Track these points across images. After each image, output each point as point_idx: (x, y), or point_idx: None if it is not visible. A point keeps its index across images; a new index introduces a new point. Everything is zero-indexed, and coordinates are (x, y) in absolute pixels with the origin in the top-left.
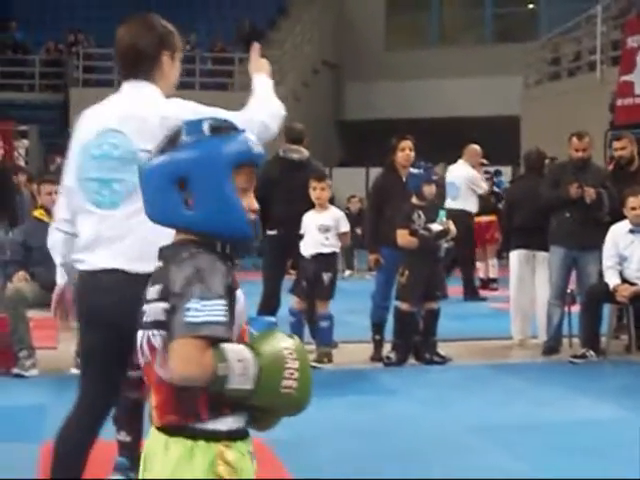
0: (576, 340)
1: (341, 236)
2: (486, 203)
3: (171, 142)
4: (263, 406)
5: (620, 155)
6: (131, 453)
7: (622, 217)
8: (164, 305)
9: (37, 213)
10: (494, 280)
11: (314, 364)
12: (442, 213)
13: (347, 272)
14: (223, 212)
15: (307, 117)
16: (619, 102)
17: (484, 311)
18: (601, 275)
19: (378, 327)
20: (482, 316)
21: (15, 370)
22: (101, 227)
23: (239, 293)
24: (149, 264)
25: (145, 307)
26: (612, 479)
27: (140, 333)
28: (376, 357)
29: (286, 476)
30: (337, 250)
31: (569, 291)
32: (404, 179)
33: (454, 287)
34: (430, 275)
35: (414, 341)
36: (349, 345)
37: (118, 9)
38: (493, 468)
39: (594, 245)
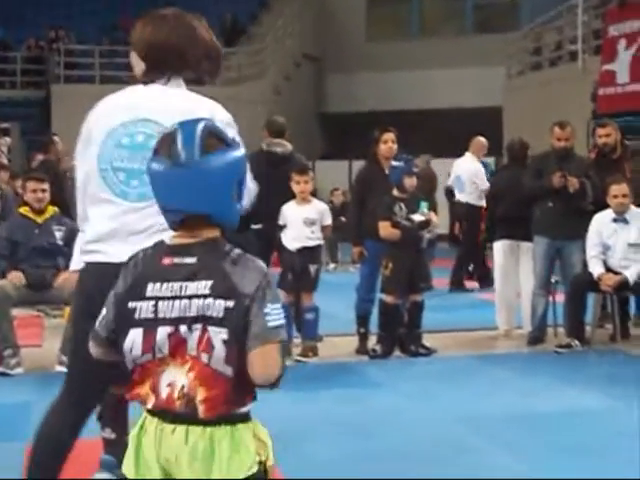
0: (561, 330)
1: (324, 228)
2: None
3: (222, 140)
4: None
5: (604, 142)
6: (116, 450)
7: (605, 206)
8: (225, 303)
9: (22, 210)
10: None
11: (299, 358)
12: (423, 204)
13: (331, 265)
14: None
15: (289, 110)
16: (601, 91)
17: (469, 302)
18: (585, 265)
19: (363, 320)
20: (467, 307)
21: (0, 369)
22: (128, 219)
23: None
24: None
25: (184, 302)
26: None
27: (169, 328)
28: (361, 350)
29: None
30: (322, 242)
31: (553, 281)
32: (387, 171)
33: (439, 278)
34: (414, 266)
35: (399, 333)
36: (334, 338)
37: (98, 5)
38: (480, 460)
39: (578, 235)
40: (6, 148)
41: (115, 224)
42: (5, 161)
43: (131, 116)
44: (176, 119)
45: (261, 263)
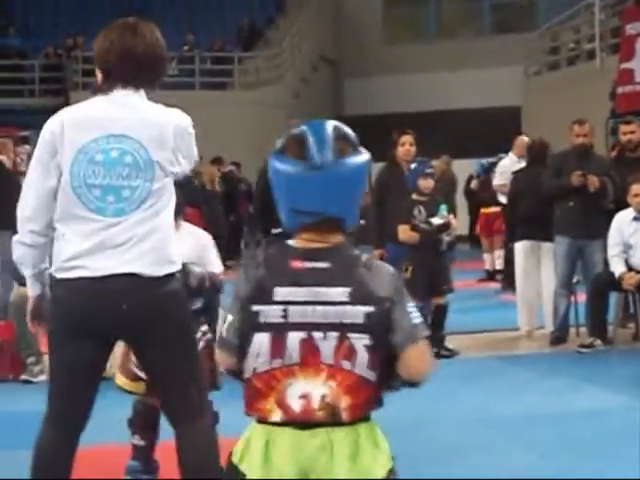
0: (583, 330)
1: None
2: (492, 194)
3: (351, 143)
4: None
5: (629, 139)
6: (144, 457)
7: (626, 205)
8: (364, 308)
9: None
10: (500, 272)
11: None
12: (442, 207)
13: None
14: None
15: (307, 113)
16: (619, 90)
17: (491, 303)
18: (606, 264)
19: None
20: (489, 308)
21: (23, 376)
22: (108, 233)
23: None
24: (163, 267)
25: (319, 307)
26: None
27: (302, 334)
28: None
29: None
30: None
31: (574, 281)
32: (406, 174)
33: (459, 281)
34: (434, 269)
35: None
36: None
37: (115, 12)
38: (503, 460)
39: (599, 234)
40: (25, 156)
41: (96, 239)
42: (25, 169)
43: (102, 132)
44: (149, 133)
45: (389, 266)
